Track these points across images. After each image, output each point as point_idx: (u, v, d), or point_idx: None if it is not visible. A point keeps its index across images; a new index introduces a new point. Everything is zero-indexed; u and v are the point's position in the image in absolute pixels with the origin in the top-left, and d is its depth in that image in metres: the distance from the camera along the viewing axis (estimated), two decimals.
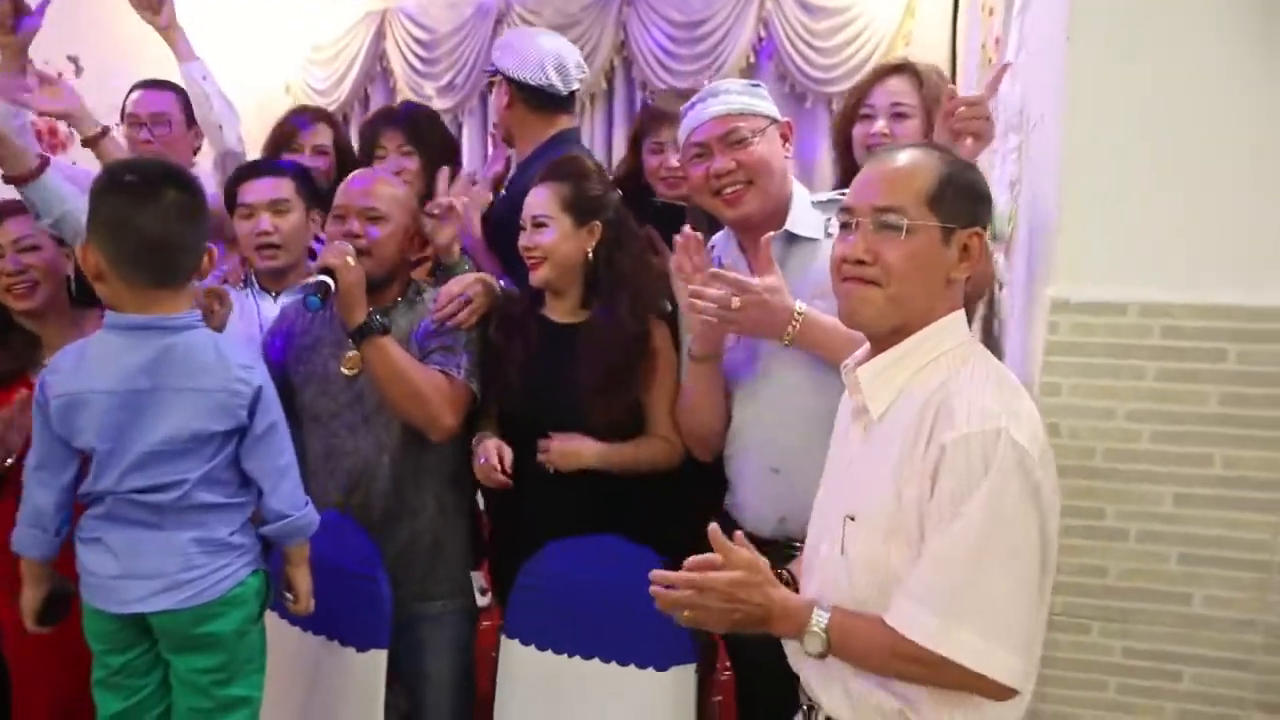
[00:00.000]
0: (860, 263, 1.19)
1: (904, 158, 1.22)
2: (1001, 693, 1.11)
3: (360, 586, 1.78)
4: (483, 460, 1.78)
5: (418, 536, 1.91)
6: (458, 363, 1.84)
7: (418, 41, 4.66)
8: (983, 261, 1.26)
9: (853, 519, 1.19)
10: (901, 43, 4.09)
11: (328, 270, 1.71)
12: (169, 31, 2.36)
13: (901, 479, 1.14)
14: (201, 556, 1.55)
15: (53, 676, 1.94)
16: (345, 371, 1.89)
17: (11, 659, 2.02)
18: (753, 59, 4.30)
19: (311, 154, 2.49)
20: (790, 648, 1.30)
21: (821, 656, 1.19)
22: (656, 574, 1.25)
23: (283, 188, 2.09)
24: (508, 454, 1.77)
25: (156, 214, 1.49)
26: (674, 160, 2.17)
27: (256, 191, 2.09)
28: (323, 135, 2.53)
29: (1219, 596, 1.31)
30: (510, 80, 2.19)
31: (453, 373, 1.83)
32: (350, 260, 1.73)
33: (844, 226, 1.23)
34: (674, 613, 1.25)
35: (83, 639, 1.64)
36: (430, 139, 2.37)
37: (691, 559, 1.25)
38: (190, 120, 2.63)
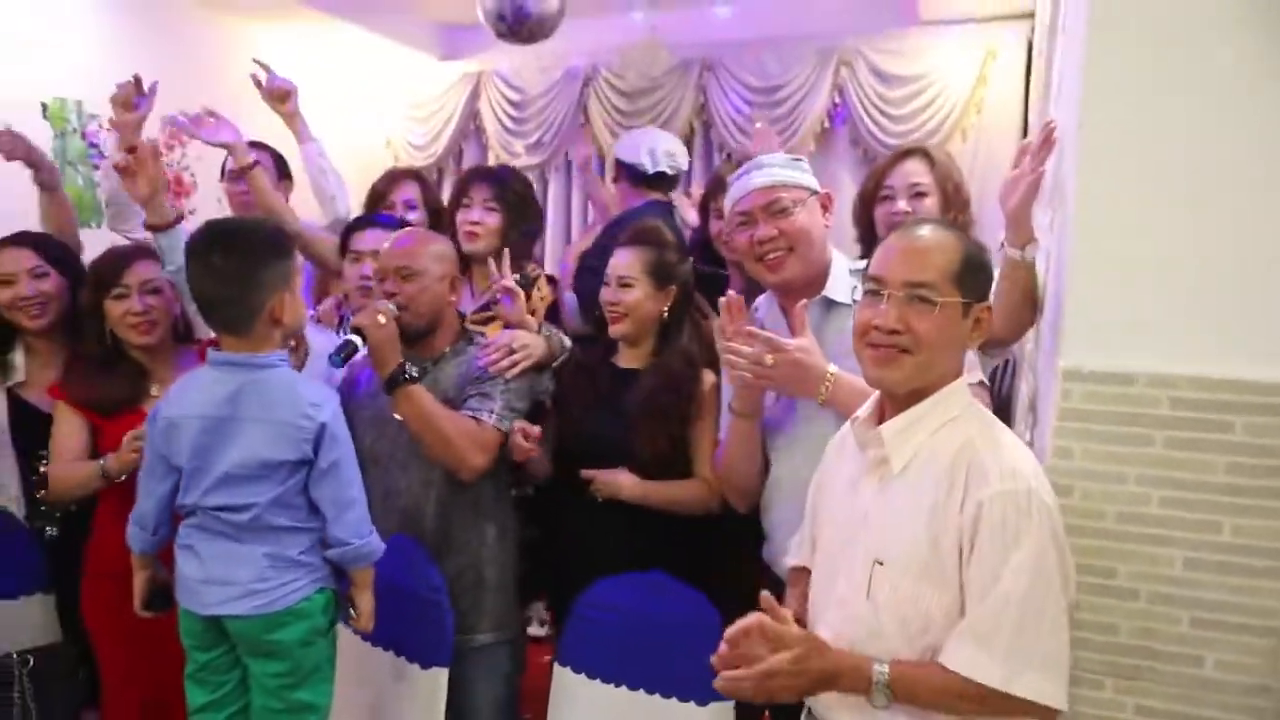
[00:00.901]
0: (894, 331, 1.31)
1: (930, 235, 1.35)
2: (1051, 716, 1.24)
3: (426, 608, 1.93)
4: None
5: (463, 571, 2.04)
6: (490, 408, 1.98)
7: (510, 102, 4.93)
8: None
9: (881, 564, 1.31)
10: (974, 110, 4.19)
11: (358, 331, 1.89)
12: (292, 119, 2.69)
13: (937, 527, 1.27)
14: (272, 571, 1.73)
15: (142, 676, 2.12)
16: (397, 415, 2.01)
17: (105, 661, 2.18)
18: (827, 124, 4.43)
19: (403, 209, 2.74)
20: (821, 701, 1.39)
21: (886, 707, 1.27)
22: (725, 676, 1.32)
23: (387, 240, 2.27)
24: (533, 429, 1.96)
25: (204, 275, 1.73)
26: None
27: (365, 241, 2.36)
28: (410, 190, 2.80)
29: (1230, 661, 1.35)
30: (616, 160, 2.77)
31: (483, 417, 1.97)
32: (381, 319, 1.89)
33: (871, 294, 1.35)
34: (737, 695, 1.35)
35: (170, 642, 1.84)
36: (512, 199, 2.57)
37: (731, 631, 1.33)
38: (280, 175, 3.00)
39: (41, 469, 2.26)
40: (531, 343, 2.07)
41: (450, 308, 2.09)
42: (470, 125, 5.07)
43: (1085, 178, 1.36)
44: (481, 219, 2.49)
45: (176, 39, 4.21)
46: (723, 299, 1.78)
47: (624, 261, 2.07)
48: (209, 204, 4.20)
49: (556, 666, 1.95)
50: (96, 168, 3.80)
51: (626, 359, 2.11)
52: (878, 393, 1.40)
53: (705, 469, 1.99)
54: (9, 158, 2.64)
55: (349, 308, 2.47)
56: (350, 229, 2.46)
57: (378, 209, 2.77)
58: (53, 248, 2.35)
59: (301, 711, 1.78)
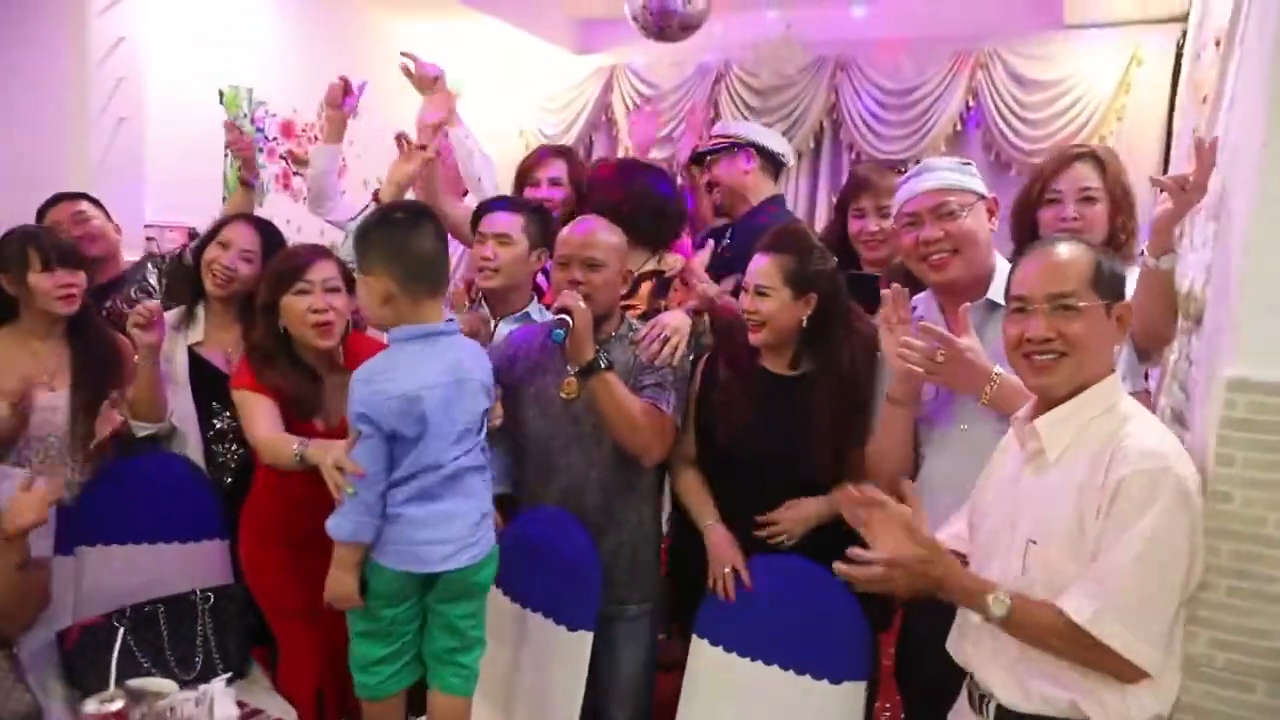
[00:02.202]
0: (1046, 340, 1.43)
1: (1064, 249, 1.47)
2: (1135, 674, 1.35)
3: (578, 577, 2.05)
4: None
5: (621, 547, 2.15)
6: (667, 399, 2.08)
7: (641, 95, 5.07)
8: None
9: (1034, 543, 1.42)
10: (1114, 117, 4.11)
11: (566, 310, 1.95)
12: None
13: (1083, 505, 1.38)
14: (480, 522, 1.89)
15: (315, 643, 2.20)
16: (563, 395, 2.14)
17: (281, 635, 2.27)
18: (959, 127, 4.42)
19: (548, 185, 2.82)
20: (966, 640, 1.53)
21: (1000, 622, 1.40)
22: (854, 551, 1.46)
23: (512, 224, 2.38)
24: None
25: (425, 236, 1.85)
26: (872, 225, 2.41)
27: (491, 224, 2.40)
28: (557, 168, 2.86)
29: None
30: (758, 148, 2.65)
31: (663, 407, 2.07)
32: (582, 304, 1.96)
33: (1017, 311, 1.47)
34: (865, 586, 1.48)
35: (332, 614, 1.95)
36: (638, 189, 2.67)
37: (874, 496, 1.50)
38: None
39: (217, 424, 2.49)
40: (678, 323, 2.15)
41: (619, 299, 2.18)
42: (601, 117, 5.22)
43: (1266, 192, 1.38)
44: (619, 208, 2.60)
45: (335, 32, 4.47)
46: (885, 290, 1.84)
47: (762, 268, 2.02)
48: (355, 187, 4.46)
49: (694, 639, 2.05)
50: (263, 151, 4.09)
51: (773, 363, 2.10)
52: (1034, 396, 1.51)
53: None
54: (234, 150, 2.89)
55: (476, 290, 2.55)
56: (480, 211, 2.50)
57: (524, 185, 2.87)
58: (273, 240, 2.52)
59: (474, 646, 1.94)
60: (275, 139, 4.10)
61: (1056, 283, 1.43)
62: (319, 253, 2.22)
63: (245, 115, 4.00)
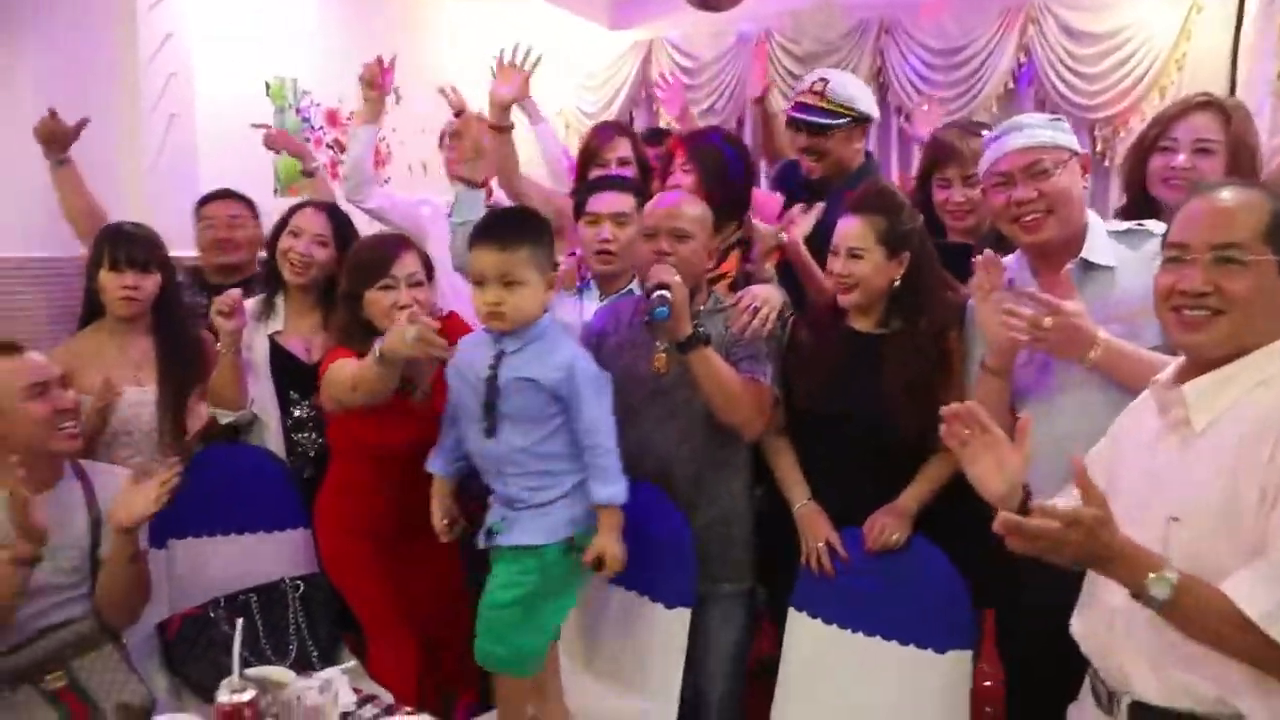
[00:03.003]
0: (1201, 294, 1.30)
1: (1234, 195, 1.33)
2: None
3: (673, 554, 2.04)
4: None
5: (712, 523, 2.12)
6: (764, 370, 2.04)
7: (681, 68, 5.01)
8: None
9: (1176, 520, 1.31)
10: (1174, 67, 4.01)
11: (664, 286, 1.88)
12: (526, 101, 2.80)
13: (1240, 482, 1.25)
14: None
15: (404, 630, 2.22)
16: (655, 370, 2.11)
17: (369, 623, 2.27)
18: (1011, 84, 4.33)
19: (617, 165, 2.76)
20: (1098, 623, 1.41)
21: (1162, 605, 1.24)
22: (1039, 505, 1.30)
23: (626, 203, 2.32)
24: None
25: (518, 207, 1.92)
26: (958, 195, 2.34)
27: (604, 203, 2.32)
28: (624, 148, 2.80)
29: None
30: (868, 119, 2.59)
31: (761, 379, 2.04)
32: (678, 278, 1.91)
33: (1172, 260, 1.35)
34: (1025, 549, 1.29)
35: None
36: (706, 160, 2.64)
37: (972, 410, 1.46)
38: None
39: (296, 413, 2.51)
40: (768, 295, 2.12)
41: (706, 271, 2.15)
42: (641, 93, 5.17)
43: None
44: (680, 181, 2.56)
45: (376, 18, 4.43)
46: (978, 257, 1.80)
47: (854, 230, 1.98)
48: (400, 175, 4.46)
49: (791, 611, 2.04)
50: (309, 141, 4.08)
51: (860, 322, 2.07)
52: (1180, 357, 1.40)
53: None
54: (273, 147, 2.89)
55: (588, 269, 2.54)
56: (588, 190, 2.45)
57: (591, 166, 2.82)
58: (345, 228, 2.54)
59: None
60: (321, 128, 4.10)
61: (1222, 231, 1.29)
62: (403, 245, 2.20)
63: (291, 106, 3.99)
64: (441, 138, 3.26)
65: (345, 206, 2.77)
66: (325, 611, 2.36)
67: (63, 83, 3.04)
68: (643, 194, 2.44)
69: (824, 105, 2.57)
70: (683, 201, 2.14)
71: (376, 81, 2.74)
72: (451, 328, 2.27)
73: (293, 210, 2.56)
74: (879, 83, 4.60)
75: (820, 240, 2.34)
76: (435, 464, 2.04)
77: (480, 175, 2.30)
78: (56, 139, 2.63)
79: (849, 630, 1.97)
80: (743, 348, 2.07)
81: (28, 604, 1.80)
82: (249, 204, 2.96)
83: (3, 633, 1.78)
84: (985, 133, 2.31)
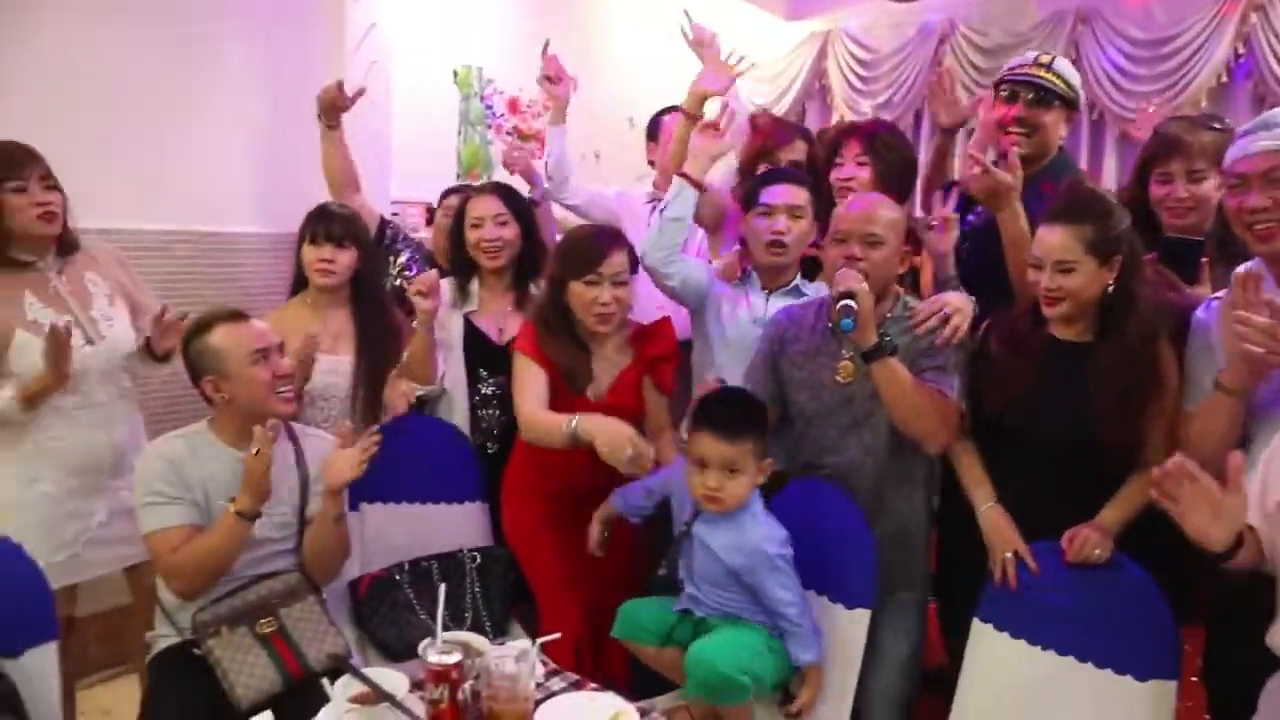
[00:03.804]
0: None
1: None
2: None
3: (854, 556, 2.00)
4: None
5: (891, 533, 2.07)
6: (951, 383, 1.96)
7: (858, 60, 4.89)
8: None
9: None
10: None
11: (850, 294, 1.84)
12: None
13: None
14: None
15: (577, 604, 2.26)
16: (839, 379, 2.06)
17: (543, 595, 2.36)
18: (1225, 78, 4.01)
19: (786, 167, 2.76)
20: None
21: None
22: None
23: (801, 196, 2.30)
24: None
25: None
26: (1181, 191, 2.17)
27: (779, 194, 2.29)
28: (799, 152, 2.75)
29: None
30: (1078, 107, 2.43)
31: (947, 392, 1.95)
32: (864, 285, 1.87)
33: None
34: None
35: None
36: (887, 154, 2.56)
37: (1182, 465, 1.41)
38: None
39: (483, 390, 2.59)
40: (961, 304, 2.04)
41: (897, 276, 2.08)
42: (815, 85, 5.09)
43: None
44: (854, 174, 2.49)
45: (559, 6, 4.52)
46: (1236, 271, 1.66)
47: (1060, 241, 1.83)
48: (576, 161, 4.54)
49: (977, 622, 1.96)
50: (490, 128, 4.22)
51: (1064, 330, 1.94)
52: None
53: (1158, 452, 1.82)
54: (512, 170, 3.01)
55: (750, 261, 2.54)
56: (761, 181, 2.43)
57: (759, 161, 2.76)
58: (515, 199, 2.63)
59: None
60: (502, 115, 4.22)
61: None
62: (614, 242, 2.23)
63: (476, 93, 4.13)
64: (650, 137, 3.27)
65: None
66: (500, 584, 2.44)
67: (274, 71, 3.25)
68: (817, 191, 2.40)
69: (1050, 76, 2.37)
70: (878, 205, 2.07)
71: (557, 81, 2.88)
72: (661, 331, 2.35)
73: (463, 203, 2.64)
74: None
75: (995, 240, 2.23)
76: (617, 499, 2.10)
77: (704, 177, 2.28)
78: (336, 107, 2.79)
79: (1039, 647, 1.87)
80: (930, 358, 2.00)
81: (246, 553, 1.94)
82: (508, 201, 2.86)
83: (224, 579, 1.93)
84: (1217, 125, 2.15)
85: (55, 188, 2.14)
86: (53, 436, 2.16)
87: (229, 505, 1.88)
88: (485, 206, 2.57)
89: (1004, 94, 2.42)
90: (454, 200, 2.98)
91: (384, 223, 2.90)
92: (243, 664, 1.83)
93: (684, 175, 2.28)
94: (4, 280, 2.11)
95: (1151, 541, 1.85)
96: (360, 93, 2.83)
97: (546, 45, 2.99)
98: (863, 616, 1.98)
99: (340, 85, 2.73)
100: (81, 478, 2.20)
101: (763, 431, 1.94)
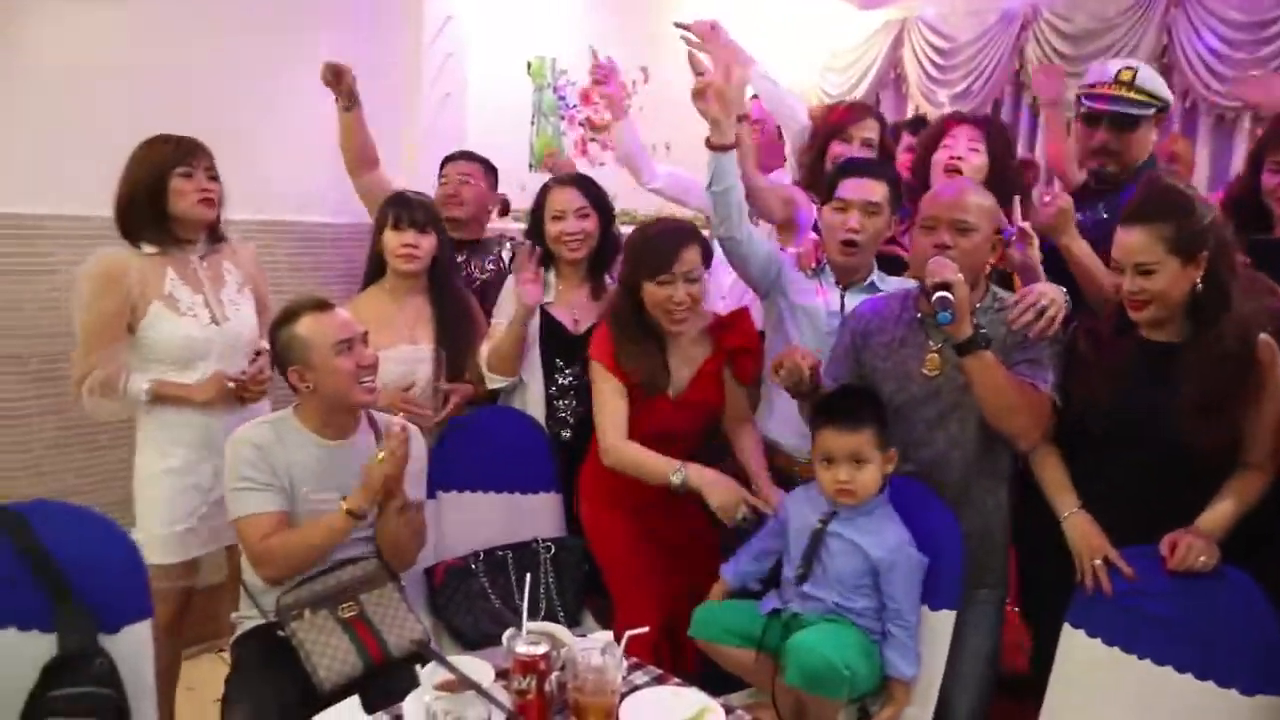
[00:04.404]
0: None
1: None
2: None
3: (938, 551, 1.94)
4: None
5: (974, 531, 2.01)
6: (1045, 376, 1.90)
7: (935, 49, 4.78)
8: None
9: None
10: None
11: (945, 285, 1.78)
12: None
13: None
14: None
15: (654, 602, 2.25)
16: (926, 372, 2.01)
17: (619, 592, 2.34)
18: None
19: (860, 145, 2.69)
20: None
21: None
22: None
23: (879, 191, 2.22)
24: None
25: None
26: None
27: (855, 189, 2.21)
28: (871, 130, 2.73)
29: None
30: (1168, 108, 2.35)
31: (1040, 386, 1.89)
32: (959, 275, 1.81)
33: None
34: None
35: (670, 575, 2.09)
36: (1001, 148, 2.49)
37: None
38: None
39: (559, 380, 2.59)
40: (1056, 293, 1.97)
41: (988, 265, 2.01)
42: (890, 75, 4.98)
43: None
44: (966, 156, 2.42)
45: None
46: None
47: (1138, 243, 1.76)
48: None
49: (1067, 628, 1.89)
50: (563, 118, 4.22)
51: (1153, 331, 1.87)
52: None
53: (1261, 453, 1.78)
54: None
55: (825, 253, 2.48)
56: (839, 173, 2.35)
57: (830, 139, 2.73)
58: (595, 190, 2.61)
59: None
60: (575, 106, 4.22)
61: None
62: (685, 238, 2.21)
63: (549, 85, 4.13)
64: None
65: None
66: (573, 575, 2.45)
67: (352, 64, 3.27)
68: (896, 182, 2.33)
69: (1133, 96, 2.29)
70: (968, 190, 2.01)
71: (603, 82, 2.92)
72: (740, 322, 2.33)
73: (543, 194, 2.63)
74: (1162, 64, 4.18)
75: (1094, 247, 2.15)
76: (729, 570, 2.09)
77: (729, 138, 2.16)
78: (327, 85, 2.75)
79: (1135, 656, 1.80)
80: (1023, 351, 1.94)
81: None
82: (484, 164, 3.05)
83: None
84: None
85: (216, 179, 2.29)
86: (177, 412, 2.25)
87: (341, 502, 1.91)
88: (566, 199, 2.55)
89: (1083, 113, 2.36)
90: (450, 169, 3.00)
91: None
92: (325, 646, 1.85)
93: (710, 146, 2.17)
94: (154, 255, 2.24)
95: (1252, 547, 1.78)
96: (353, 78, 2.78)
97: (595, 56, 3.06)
98: (947, 619, 1.93)
99: (340, 70, 2.69)
100: (199, 453, 2.26)
101: (881, 420, 1.95)
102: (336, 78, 2.67)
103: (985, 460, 2.02)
